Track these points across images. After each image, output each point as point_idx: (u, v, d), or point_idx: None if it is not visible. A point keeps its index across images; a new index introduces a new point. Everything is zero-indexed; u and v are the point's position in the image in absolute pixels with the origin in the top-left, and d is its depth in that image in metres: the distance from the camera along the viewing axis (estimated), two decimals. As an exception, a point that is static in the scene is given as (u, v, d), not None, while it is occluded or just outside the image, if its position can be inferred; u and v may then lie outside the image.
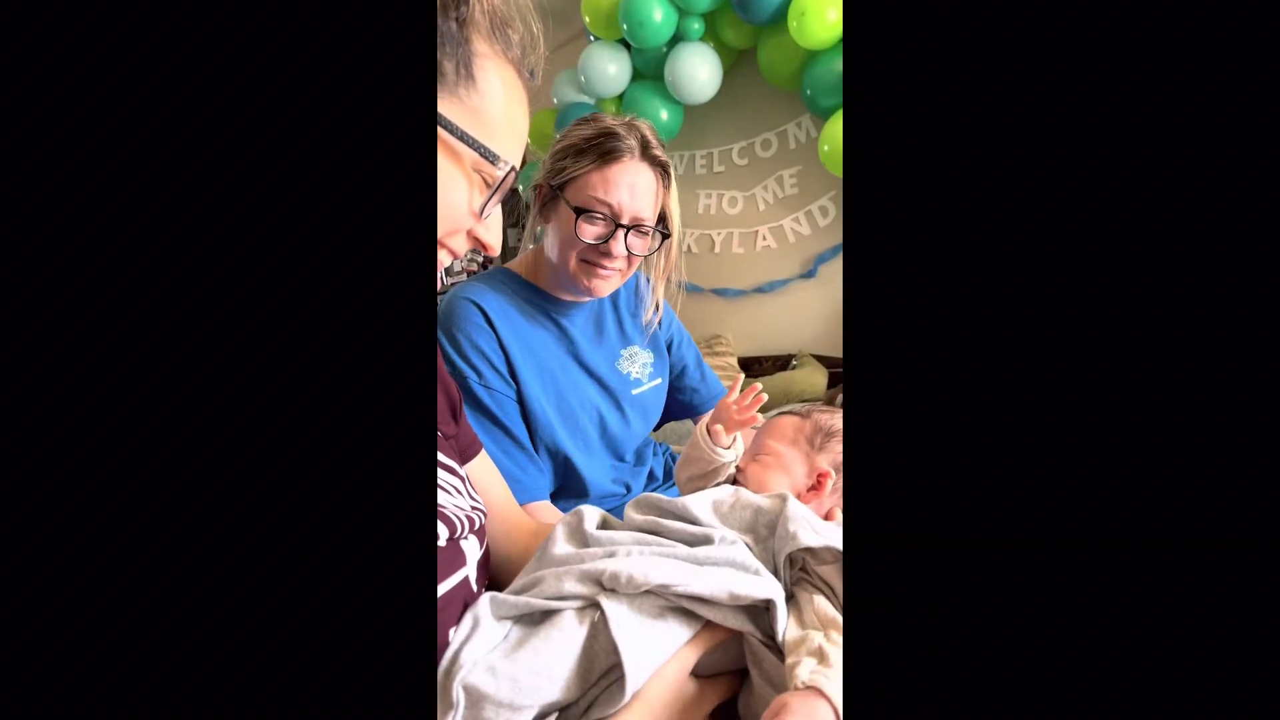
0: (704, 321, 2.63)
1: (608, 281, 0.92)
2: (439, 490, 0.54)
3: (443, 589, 0.49)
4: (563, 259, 0.91)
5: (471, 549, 0.56)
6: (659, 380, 1.09)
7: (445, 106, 0.44)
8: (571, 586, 0.48)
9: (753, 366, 2.45)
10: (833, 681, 0.40)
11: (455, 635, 0.47)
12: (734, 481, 0.70)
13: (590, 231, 0.88)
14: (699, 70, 2.17)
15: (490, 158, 0.46)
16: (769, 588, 0.47)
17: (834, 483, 0.66)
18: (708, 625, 0.48)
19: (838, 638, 0.44)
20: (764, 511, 0.55)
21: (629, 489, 1.04)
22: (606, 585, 0.47)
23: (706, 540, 0.52)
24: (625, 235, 0.89)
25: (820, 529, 0.52)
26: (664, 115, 2.30)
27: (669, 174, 0.93)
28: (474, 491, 0.62)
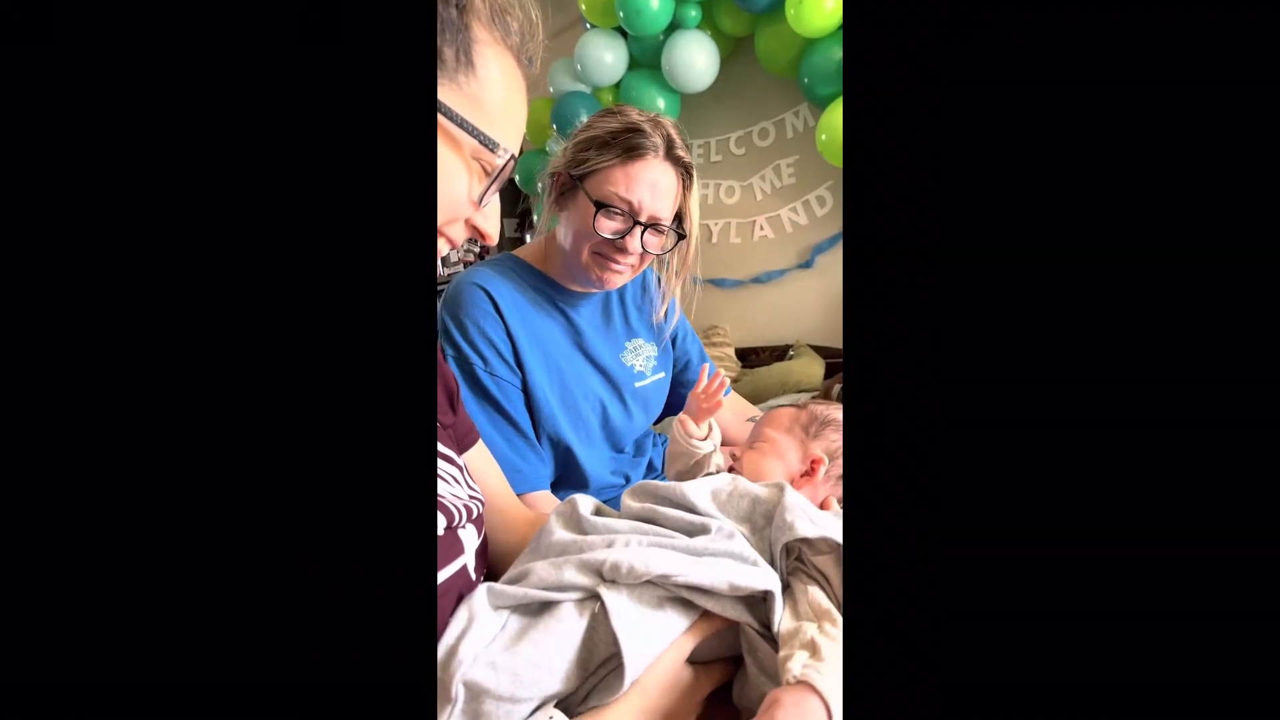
0: (701, 312, 2.60)
1: (619, 276, 0.92)
2: (437, 479, 0.54)
3: (441, 577, 0.49)
4: (576, 250, 0.90)
5: (469, 538, 0.56)
6: (662, 374, 1.09)
7: (445, 93, 0.44)
8: (571, 576, 0.48)
9: (750, 357, 2.44)
10: (824, 675, 0.40)
11: (451, 627, 0.47)
12: (730, 469, 0.71)
13: (608, 226, 0.87)
14: (696, 58, 2.15)
15: (490, 145, 0.46)
16: (767, 579, 0.48)
17: (826, 469, 0.68)
18: (704, 614, 0.48)
19: (831, 629, 0.44)
20: (761, 501, 0.55)
21: (628, 480, 1.04)
22: (606, 575, 0.47)
23: (704, 530, 0.52)
24: (642, 233, 0.88)
25: (817, 519, 0.52)
26: (660, 104, 2.28)
27: (691, 175, 0.92)
28: (472, 481, 0.62)
